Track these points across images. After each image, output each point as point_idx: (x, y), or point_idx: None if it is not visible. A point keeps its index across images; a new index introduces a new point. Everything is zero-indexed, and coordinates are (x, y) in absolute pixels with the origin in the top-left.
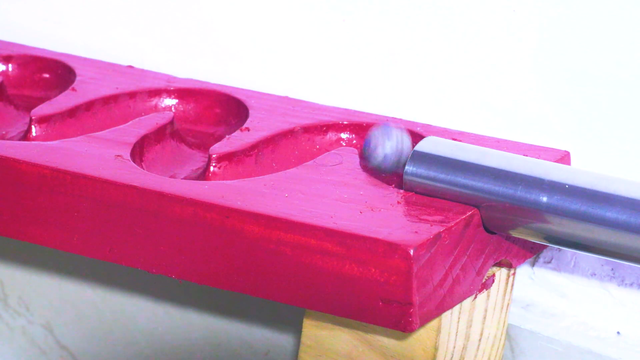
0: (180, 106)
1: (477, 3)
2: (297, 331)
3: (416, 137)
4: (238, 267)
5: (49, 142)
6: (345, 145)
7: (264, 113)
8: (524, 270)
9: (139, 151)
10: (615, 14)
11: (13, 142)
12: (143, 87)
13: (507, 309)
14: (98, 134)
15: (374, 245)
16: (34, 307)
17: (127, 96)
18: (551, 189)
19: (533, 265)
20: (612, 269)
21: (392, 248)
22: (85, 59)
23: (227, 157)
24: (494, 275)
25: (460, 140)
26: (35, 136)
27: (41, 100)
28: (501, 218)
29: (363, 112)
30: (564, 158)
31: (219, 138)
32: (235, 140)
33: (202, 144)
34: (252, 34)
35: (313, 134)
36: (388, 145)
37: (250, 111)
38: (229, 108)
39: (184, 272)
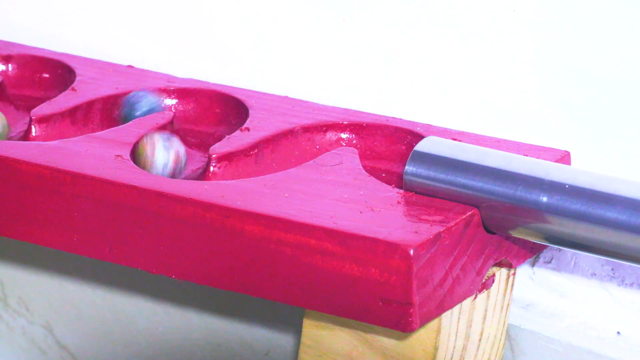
0: (180, 106)
1: (477, 3)
2: (297, 331)
3: (416, 137)
4: (238, 267)
5: (49, 142)
6: (345, 145)
7: (264, 113)
8: (524, 270)
9: None
10: (615, 14)
11: (13, 142)
12: (143, 87)
13: (507, 309)
14: (98, 134)
15: (374, 245)
16: (34, 307)
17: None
18: (551, 189)
19: (533, 265)
20: (612, 269)
21: (392, 248)
22: (85, 59)
23: (227, 157)
24: (494, 275)
25: (460, 140)
26: (35, 136)
27: (41, 100)
28: (501, 218)
29: (363, 112)
30: (564, 158)
31: (219, 138)
32: (235, 140)
33: (202, 144)
34: (252, 34)
35: (313, 134)
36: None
37: (250, 111)
38: (229, 108)
39: (184, 272)
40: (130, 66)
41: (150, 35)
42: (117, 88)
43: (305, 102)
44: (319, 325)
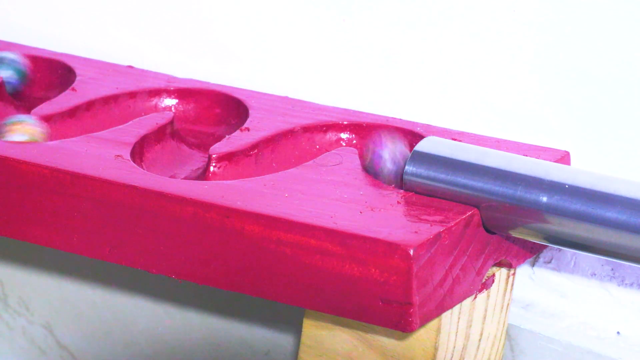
0: (180, 106)
1: (477, 3)
2: (297, 331)
3: (416, 137)
4: (238, 267)
5: (49, 142)
6: (345, 145)
7: (264, 113)
8: (524, 270)
9: (139, 151)
10: (615, 14)
11: (13, 142)
12: (143, 87)
13: (507, 309)
14: (98, 134)
15: (374, 245)
16: (34, 307)
17: (127, 96)
18: (551, 189)
19: (533, 265)
20: (612, 269)
21: (392, 248)
22: (85, 59)
23: (227, 157)
24: (494, 275)
25: (460, 140)
26: None
27: (41, 100)
28: (501, 218)
29: (363, 112)
30: (564, 158)
31: (219, 138)
32: (235, 140)
33: (202, 144)
34: (252, 34)
35: (313, 134)
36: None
37: (250, 111)
38: (229, 108)
39: (184, 272)
40: (130, 66)
41: (150, 35)
42: (117, 88)
43: (305, 102)
44: (319, 325)
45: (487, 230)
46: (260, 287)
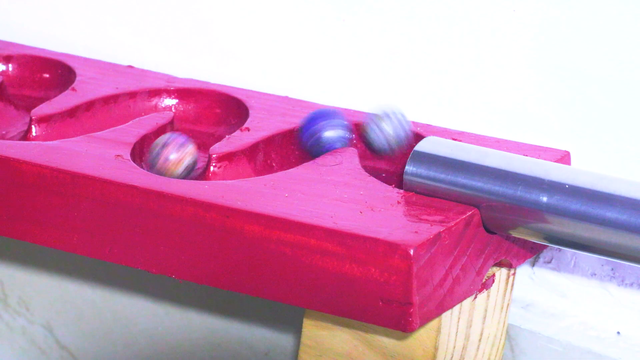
0: (180, 106)
1: (477, 3)
2: (297, 331)
3: (416, 137)
4: (238, 267)
5: (49, 142)
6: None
7: (264, 113)
8: (524, 270)
9: (139, 151)
10: (615, 14)
11: (13, 142)
12: (143, 87)
13: (507, 309)
14: (98, 134)
15: (374, 245)
16: (34, 307)
17: (127, 96)
18: (551, 189)
19: (533, 265)
20: (612, 269)
21: (392, 248)
22: (85, 59)
23: (227, 157)
24: (494, 275)
25: (460, 140)
26: (35, 136)
27: (41, 100)
28: (501, 218)
29: (363, 112)
30: (564, 158)
31: (219, 138)
32: (235, 140)
33: (202, 144)
34: (252, 34)
35: None
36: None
37: (250, 111)
38: (229, 108)
39: (184, 272)
40: (130, 66)
41: (150, 35)
42: (117, 88)
43: (305, 102)
44: (319, 325)
45: (487, 230)
46: (260, 287)
